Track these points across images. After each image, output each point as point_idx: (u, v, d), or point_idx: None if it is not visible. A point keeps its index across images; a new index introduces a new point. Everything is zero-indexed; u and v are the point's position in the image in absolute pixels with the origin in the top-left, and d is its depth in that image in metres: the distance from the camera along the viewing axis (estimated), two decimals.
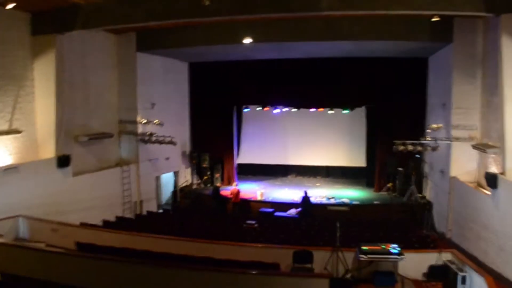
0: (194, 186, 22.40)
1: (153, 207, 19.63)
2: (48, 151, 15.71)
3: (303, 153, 23.90)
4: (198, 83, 22.62)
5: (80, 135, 16.96)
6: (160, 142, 18.61)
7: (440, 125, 16.65)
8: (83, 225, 13.74)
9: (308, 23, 16.60)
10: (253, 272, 8.01)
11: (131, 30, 18.30)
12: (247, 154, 24.09)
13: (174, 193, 21.48)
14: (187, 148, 22.51)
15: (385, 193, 21.06)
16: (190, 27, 17.52)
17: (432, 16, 14.23)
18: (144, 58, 19.11)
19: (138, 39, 18.69)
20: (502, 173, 12.90)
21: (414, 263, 10.17)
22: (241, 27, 16.92)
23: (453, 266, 9.51)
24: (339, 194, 20.60)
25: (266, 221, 16.37)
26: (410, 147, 16.79)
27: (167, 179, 21.47)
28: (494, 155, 14.10)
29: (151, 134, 18.62)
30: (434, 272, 9.59)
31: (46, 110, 15.62)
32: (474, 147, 15.28)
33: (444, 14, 14.00)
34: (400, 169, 20.30)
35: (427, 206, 18.33)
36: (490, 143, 14.76)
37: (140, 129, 18.88)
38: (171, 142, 18.73)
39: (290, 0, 13.27)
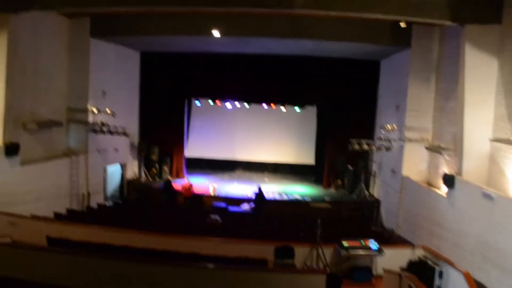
0: (142, 179, 21.72)
1: (100, 200, 18.80)
2: None
3: (252, 149, 23.96)
4: (149, 73, 21.93)
5: (28, 122, 15.83)
6: (112, 133, 17.85)
7: (395, 126, 17.32)
8: (35, 217, 12.92)
9: (271, 20, 16.62)
10: (251, 269, 7.93)
11: (85, 14, 17.38)
12: (195, 148, 23.72)
13: (121, 186, 20.71)
14: (136, 140, 21.74)
15: (333, 190, 21.61)
16: (149, 15, 16.98)
17: (400, 21, 14.76)
18: (97, 45, 18.18)
19: (92, 24, 17.79)
20: (458, 174, 13.69)
21: (388, 259, 10.55)
22: (204, 19, 16.66)
23: (429, 262, 9.96)
24: (290, 190, 20.86)
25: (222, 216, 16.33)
26: (365, 146, 17.33)
27: (113, 171, 20.65)
28: (447, 157, 14.96)
29: (102, 124, 17.81)
30: (412, 267, 9.97)
31: None
32: (428, 148, 16.13)
33: (413, 21, 14.57)
34: (350, 167, 20.93)
35: (376, 203, 19.06)
36: (442, 145, 15.63)
37: (90, 118, 18.00)
38: (124, 133, 18.06)
39: None
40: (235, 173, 24.34)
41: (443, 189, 15.16)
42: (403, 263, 10.57)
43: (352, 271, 10.18)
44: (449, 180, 13.73)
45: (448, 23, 13.36)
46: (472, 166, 13.39)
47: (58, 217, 14.69)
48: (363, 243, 10.16)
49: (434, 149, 15.53)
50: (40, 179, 15.81)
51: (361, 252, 10.00)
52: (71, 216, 14.91)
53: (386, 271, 9.45)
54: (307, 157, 23.80)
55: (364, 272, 10.16)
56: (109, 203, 18.90)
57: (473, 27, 13.10)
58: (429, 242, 14.74)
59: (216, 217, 14.14)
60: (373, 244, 10.14)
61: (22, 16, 14.60)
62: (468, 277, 9.01)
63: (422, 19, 13.53)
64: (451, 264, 9.58)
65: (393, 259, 10.57)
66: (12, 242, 9.57)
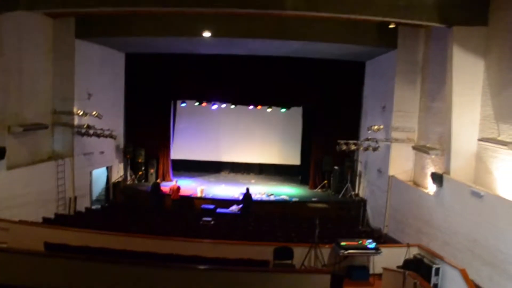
0: (129, 182, 21.48)
1: (86, 204, 18.56)
2: None
3: (237, 150, 23.96)
4: (134, 75, 21.63)
5: (13, 125, 15.52)
6: (99, 136, 17.62)
7: (381, 126, 17.56)
8: (29, 223, 12.70)
9: (258, 21, 16.64)
10: (256, 270, 7.95)
11: (70, 14, 17.12)
12: (180, 150, 23.56)
13: (107, 189, 20.47)
14: (121, 143, 21.48)
15: (319, 190, 21.79)
16: (135, 16, 16.86)
17: (390, 23, 14.99)
18: (82, 45, 17.89)
19: (77, 25, 17.51)
20: (445, 173, 13.97)
21: (383, 258, 10.73)
22: (190, 20, 16.59)
23: (425, 260, 10.15)
24: (277, 191, 20.94)
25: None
26: (353, 147, 17.52)
27: (98, 174, 20.37)
28: (434, 156, 15.26)
29: (89, 127, 17.56)
30: (409, 265, 10.14)
31: None
32: (415, 148, 16.41)
33: (402, 22, 14.81)
34: (336, 167, 21.12)
35: (362, 203, 19.29)
36: (428, 145, 15.94)
37: (76, 121, 17.74)
38: (111, 136, 17.87)
39: None
40: (221, 175, 24.34)
41: (429, 188, 15.50)
42: (399, 261, 10.78)
43: (349, 270, 10.29)
44: (437, 179, 14.01)
45: (436, 24, 13.67)
46: (460, 165, 13.71)
47: (47, 221, 14.49)
48: (361, 243, 10.29)
49: (421, 149, 15.81)
50: (26, 184, 15.51)
51: (359, 251, 10.12)
52: (59, 221, 14.71)
53: (386, 269, 9.59)
54: (292, 158, 23.93)
55: (361, 271, 10.30)
56: (96, 207, 18.67)
57: (461, 29, 13.42)
58: (418, 240, 14.98)
59: (208, 218, 14.11)
60: (370, 244, 10.27)
61: (6, 16, 14.36)
62: (464, 273, 9.24)
63: (411, 20, 13.81)
64: (447, 261, 9.79)
65: (388, 258, 10.77)
66: (8, 248, 9.34)
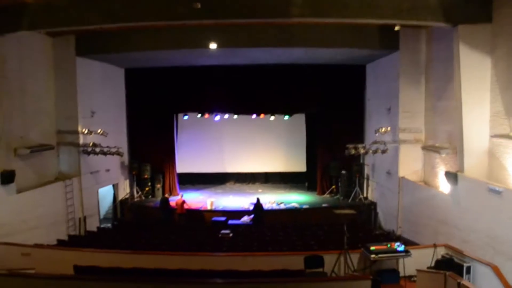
0: (136, 199, 21.27)
1: (95, 223, 18.36)
2: None
3: (241, 160, 23.90)
4: (135, 90, 21.55)
5: (19, 147, 15.34)
6: (106, 153, 17.49)
7: (388, 128, 17.61)
8: (44, 246, 12.52)
9: (261, 30, 16.64)
10: (298, 280, 7.88)
11: (70, 32, 17.00)
12: (184, 163, 23.40)
13: (115, 207, 20.24)
14: (126, 159, 21.29)
15: (328, 195, 21.78)
16: (135, 31, 16.81)
17: (395, 25, 15.08)
18: (82, 63, 17.80)
19: (77, 43, 17.39)
20: (459, 171, 14.02)
21: (410, 259, 10.68)
22: (192, 32, 16.58)
23: (455, 259, 10.15)
24: (286, 199, 20.86)
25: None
26: (362, 150, 17.55)
27: (104, 192, 20.16)
28: (444, 155, 15.31)
29: (95, 145, 17.40)
30: (440, 265, 10.13)
31: None
32: (425, 148, 16.48)
33: (408, 24, 14.91)
34: (343, 172, 21.14)
35: (372, 206, 19.30)
36: (437, 144, 16.01)
37: (81, 140, 17.57)
38: (118, 153, 17.72)
39: (261, 6, 13.30)
40: (227, 186, 24.22)
41: (442, 187, 15.56)
42: (426, 262, 10.77)
43: (379, 274, 10.23)
44: (451, 178, 14.03)
45: (441, 24, 13.73)
46: (473, 163, 13.72)
47: (61, 243, 14.30)
48: (389, 246, 10.26)
49: (431, 149, 15.86)
50: (36, 206, 15.40)
51: (389, 254, 10.09)
52: (73, 242, 14.52)
53: (421, 271, 9.56)
54: (298, 165, 23.89)
55: (391, 274, 10.26)
56: (105, 226, 18.46)
57: (466, 27, 13.49)
58: (434, 240, 14.95)
59: (226, 231, 14.01)
60: (399, 246, 10.25)
61: (7, 38, 14.25)
62: (497, 270, 9.24)
63: (416, 22, 13.89)
64: (478, 259, 9.79)
65: (415, 260, 10.73)
66: (37, 273, 9.15)
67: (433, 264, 10.52)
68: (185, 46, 16.89)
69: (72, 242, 14.41)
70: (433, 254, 10.80)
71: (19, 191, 14.76)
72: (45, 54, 17.03)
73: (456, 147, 14.43)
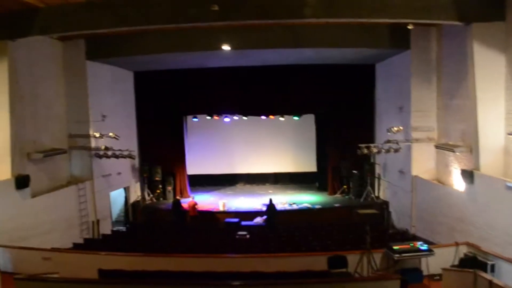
0: (147, 201, 21.24)
1: (108, 226, 18.34)
2: (1, 171, 14.01)
3: (251, 161, 23.91)
4: (144, 93, 21.54)
5: (32, 152, 15.33)
6: (118, 157, 17.44)
7: (401, 127, 17.59)
8: (55, 250, 12.45)
9: (272, 31, 16.61)
10: (325, 280, 7.85)
11: (80, 36, 17.00)
12: (194, 165, 23.39)
13: (126, 210, 20.21)
14: (136, 162, 21.23)
15: (339, 195, 21.78)
16: (145, 34, 16.77)
17: (408, 24, 15.06)
18: (92, 67, 17.74)
19: (87, 46, 17.39)
20: (475, 169, 13.99)
21: (434, 258, 10.65)
22: (202, 34, 16.56)
23: (478, 257, 10.13)
24: (298, 200, 20.86)
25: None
26: (374, 150, 17.52)
27: (114, 195, 20.12)
28: (459, 153, 15.30)
29: (106, 148, 17.37)
30: (464, 263, 10.09)
31: None
32: (438, 147, 16.45)
33: (421, 23, 14.90)
34: (355, 171, 21.14)
35: (384, 205, 19.28)
36: (450, 142, 16.00)
37: (92, 143, 17.54)
38: (130, 156, 17.70)
39: (274, 7, 13.27)
40: (237, 187, 24.24)
41: (456, 185, 15.54)
42: (448, 261, 10.74)
43: (403, 273, 10.18)
44: (468, 176, 14.00)
45: (455, 23, 13.70)
46: (489, 161, 13.67)
47: (78, 247, 14.30)
48: (412, 245, 10.25)
49: (445, 147, 15.82)
50: (50, 210, 15.43)
51: (413, 254, 10.07)
52: (90, 245, 14.52)
53: (447, 270, 9.52)
54: (308, 165, 23.92)
55: (414, 273, 10.22)
56: (117, 229, 18.45)
57: (479, 26, 13.43)
58: (450, 238, 14.99)
59: (243, 232, 13.99)
60: (422, 245, 10.24)
61: (18, 43, 14.23)
62: None
63: (430, 20, 13.88)
64: (502, 257, 9.77)
65: (437, 258, 10.70)
66: (62, 278, 9.10)
67: (456, 263, 10.48)
68: (197, 49, 16.86)
69: (89, 246, 14.41)
70: (455, 253, 10.75)
71: (33, 195, 14.75)
72: (55, 58, 17.04)
73: (471, 145, 14.40)
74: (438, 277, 10.34)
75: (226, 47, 15.91)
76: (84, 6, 13.39)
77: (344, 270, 10.01)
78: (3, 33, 13.79)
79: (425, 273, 10.48)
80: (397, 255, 9.96)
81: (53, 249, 11.34)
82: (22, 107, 14.96)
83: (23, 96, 15.07)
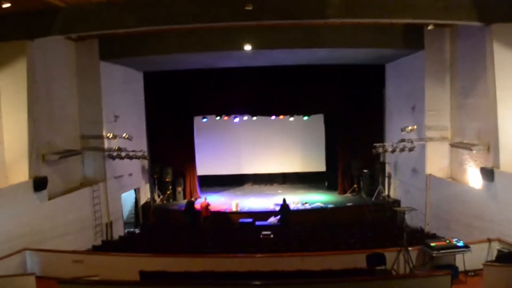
0: (158, 202, 21.09)
1: (120, 228, 18.18)
2: (19, 173, 13.81)
3: (259, 161, 23.89)
4: (153, 93, 21.40)
5: (47, 153, 15.14)
6: (131, 158, 17.32)
7: (415, 126, 17.74)
8: (89, 252, 12.37)
9: (285, 31, 16.59)
10: (375, 278, 7.90)
11: (94, 36, 16.83)
12: (203, 166, 23.30)
13: (137, 211, 20.04)
14: (146, 163, 20.99)
15: (350, 195, 21.88)
16: (158, 34, 16.67)
17: (424, 24, 15.22)
18: (105, 67, 17.58)
19: (100, 47, 17.22)
20: (495, 167, 14.15)
21: (467, 254, 10.76)
22: (217, 34, 16.52)
23: None
24: (309, 199, 20.89)
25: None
26: (389, 149, 17.65)
27: (124, 197, 19.94)
28: (475, 152, 15.47)
29: (120, 149, 17.21)
30: (502, 259, 10.20)
31: (17, 127, 13.81)
32: (454, 145, 16.62)
33: (442, 24, 15.06)
34: (365, 170, 21.26)
35: (396, 204, 19.42)
36: (465, 141, 16.18)
37: (105, 144, 17.37)
38: (144, 157, 17.58)
39: (297, 8, 13.30)
40: (245, 188, 24.22)
41: (471, 183, 15.71)
42: (481, 257, 10.85)
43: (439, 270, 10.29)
44: (487, 173, 14.16)
45: (474, 23, 13.86)
46: (509, 158, 13.89)
47: (97, 249, 14.17)
48: (449, 242, 10.36)
49: (461, 146, 16.00)
50: (66, 212, 15.25)
51: (450, 250, 10.17)
52: (108, 247, 14.41)
53: (489, 265, 9.60)
54: (317, 165, 23.96)
55: (450, 269, 10.29)
56: (134, 230, 18.32)
57: (499, 26, 13.62)
58: (469, 235, 15.15)
59: (267, 232, 13.98)
60: (458, 242, 10.35)
61: (35, 43, 14.06)
62: None
63: (450, 21, 14.02)
64: None
65: (469, 255, 10.81)
66: (103, 280, 9.01)
67: (490, 259, 10.60)
68: (213, 49, 16.81)
69: (108, 247, 14.30)
70: (488, 249, 10.88)
71: (49, 197, 14.56)
72: (69, 58, 16.88)
73: (488, 143, 14.58)
74: (472, 273, 10.49)
75: (247, 47, 15.86)
76: (106, 6, 13.29)
77: (383, 267, 10.06)
78: (22, 33, 13.63)
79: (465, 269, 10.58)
80: (435, 251, 10.05)
81: (87, 252, 11.15)
82: (38, 108, 14.73)
83: (39, 97, 14.87)
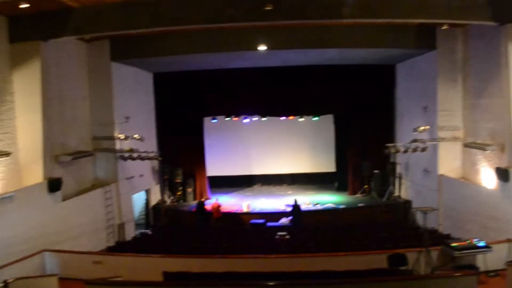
0: (168, 203, 21.05)
1: (131, 229, 18.14)
2: (34, 174, 13.80)
3: (269, 162, 23.84)
4: (163, 94, 21.37)
5: (60, 154, 15.15)
6: (143, 158, 17.27)
7: (428, 127, 17.70)
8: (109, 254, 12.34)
9: (297, 31, 16.56)
10: (403, 278, 7.86)
11: (105, 37, 16.81)
12: (212, 167, 23.25)
13: (147, 212, 20.01)
14: (156, 164, 20.95)
15: (360, 195, 21.84)
16: (169, 35, 16.66)
17: (443, 24, 15.19)
18: (116, 68, 17.58)
19: (111, 48, 17.22)
20: (509, 167, 14.12)
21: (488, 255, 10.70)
22: (227, 35, 16.50)
23: None
24: (320, 200, 20.86)
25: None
26: (401, 149, 17.63)
27: (135, 198, 19.91)
28: (489, 152, 15.43)
29: (131, 150, 17.17)
30: None
31: (31, 127, 13.80)
32: (467, 146, 16.59)
33: (457, 23, 15.05)
34: (376, 171, 21.23)
35: (407, 204, 19.39)
36: (478, 141, 16.14)
37: (117, 146, 17.34)
38: (156, 158, 17.55)
39: (312, 8, 13.29)
40: (255, 188, 24.18)
41: (484, 183, 15.67)
42: (500, 257, 10.79)
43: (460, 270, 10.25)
44: (502, 174, 14.12)
45: (489, 23, 13.83)
46: None
47: (112, 250, 14.15)
48: (469, 242, 10.32)
49: (475, 146, 15.96)
50: (79, 214, 15.27)
51: (472, 250, 10.13)
52: (123, 248, 14.36)
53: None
54: (327, 165, 23.94)
55: (471, 270, 10.27)
56: (146, 231, 18.30)
57: None
58: (483, 235, 15.05)
59: (283, 233, 13.94)
60: (479, 242, 10.31)
61: (48, 44, 14.05)
62: None
63: (465, 21, 14.01)
64: None
65: (488, 255, 10.76)
66: (126, 281, 8.97)
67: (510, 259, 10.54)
68: (226, 49, 16.79)
69: (123, 249, 14.24)
70: (509, 249, 10.82)
71: (63, 199, 14.54)
72: (80, 59, 16.88)
73: (502, 144, 14.54)
74: (493, 273, 10.43)
75: (262, 47, 15.84)
76: (120, 6, 13.26)
77: (404, 268, 10.02)
78: (36, 34, 13.64)
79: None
80: (457, 252, 10.01)
81: (106, 253, 11.13)
82: (51, 109, 14.73)
83: (52, 98, 14.87)
